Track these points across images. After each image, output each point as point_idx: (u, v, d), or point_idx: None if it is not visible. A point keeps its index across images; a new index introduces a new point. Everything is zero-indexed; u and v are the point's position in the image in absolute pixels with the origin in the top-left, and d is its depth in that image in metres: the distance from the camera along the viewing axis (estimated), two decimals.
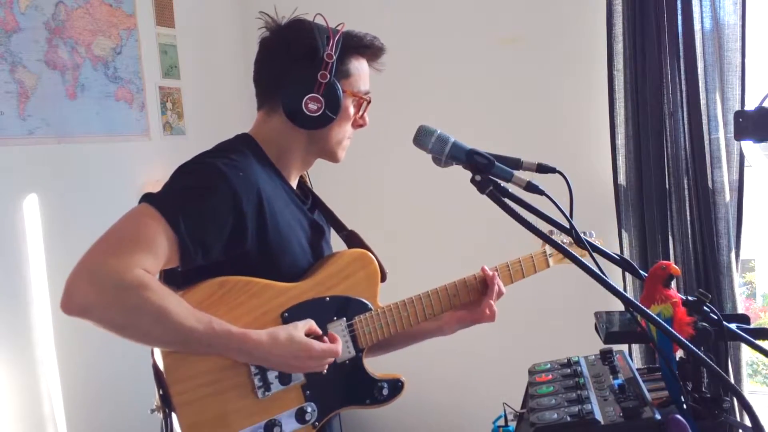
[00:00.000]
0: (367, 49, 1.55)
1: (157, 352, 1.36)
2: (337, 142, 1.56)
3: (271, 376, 1.40)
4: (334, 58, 1.46)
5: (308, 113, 1.47)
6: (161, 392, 1.35)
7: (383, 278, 1.59)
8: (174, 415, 1.34)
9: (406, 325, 1.59)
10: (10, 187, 2.48)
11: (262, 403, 1.40)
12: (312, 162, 1.60)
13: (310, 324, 1.43)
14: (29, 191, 2.54)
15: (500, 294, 1.71)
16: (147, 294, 1.23)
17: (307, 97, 1.46)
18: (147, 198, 1.33)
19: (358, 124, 1.58)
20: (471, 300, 1.69)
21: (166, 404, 1.35)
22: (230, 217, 1.34)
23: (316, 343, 1.40)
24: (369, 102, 1.58)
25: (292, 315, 1.44)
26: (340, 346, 1.45)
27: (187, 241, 1.29)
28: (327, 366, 1.44)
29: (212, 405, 1.36)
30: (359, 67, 1.54)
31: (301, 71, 1.48)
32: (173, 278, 1.40)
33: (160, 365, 1.35)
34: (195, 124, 3.25)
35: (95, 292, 1.22)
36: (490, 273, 1.70)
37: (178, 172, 1.40)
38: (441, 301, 1.65)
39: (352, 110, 1.54)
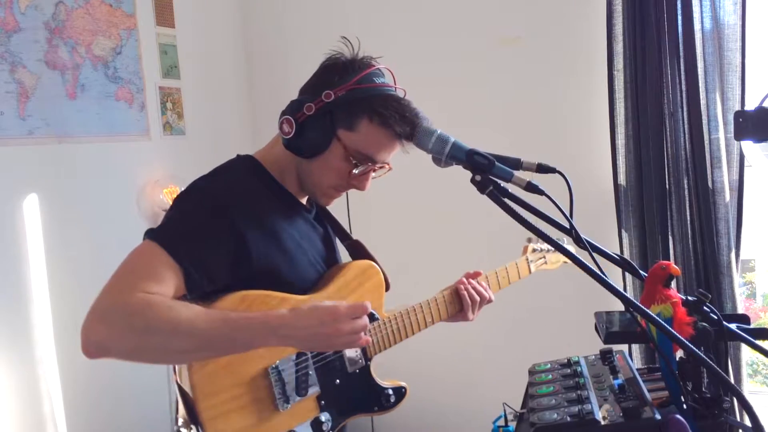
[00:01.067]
0: (385, 123, 1.44)
1: (183, 370, 1.36)
2: (317, 184, 1.51)
3: (289, 388, 1.42)
4: (332, 98, 1.42)
5: (281, 132, 1.47)
6: (187, 409, 1.37)
7: (387, 288, 1.63)
8: (201, 431, 1.36)
9: (410, 333, 1.65)
10: (10, 187, 2.48)
11: (282, 415, 1.42)
12: (306, 195, 1.57)
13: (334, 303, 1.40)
14: (29, 191, 2.54)
15: (489, 300, 1.77)
16: (152, 311, 1.24)
17: (285, 116, 1.46)
18: (149, 234, 1.35)
19: (352, 184, 1.51)
20: (464, 307, 1.75)
21: (194, 420, 1.36)
22: (230, 241, 1.36)
23: (340, 304, 1.31)
24: (372, 169, 1.50)
25: None
26: (368, 304, 1.35)
27: (191, 269, 1.31)
28: (363, 336, 1.31)
29: (237, 419, 1.38)
30: (371, 130, 1.45)
31: (302, 96, 1.48)
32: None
33: (186, 383, 1.36)
34: (195, 124, 3.24)
35: (106, 327, 1.24)
36: (461, 287, 1.74)
37: (176, 201, 1.43)
38: (439, 309, 1.71)
39: (341, 162, 1.46)
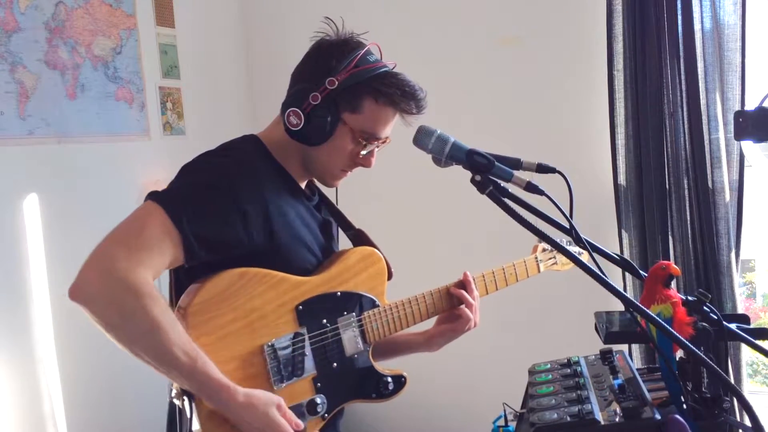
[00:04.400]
0: (390, 101, 1.49)
1: None
2: (325, 169, 1.55)
3: (284, 367, 1.43)
4: (336, 85, 1.45)
5: (289, 125, 1.47)
6: None
7: (389, 276, 1.64)
8: (193, 403, 1.36)
9: (411, 321, 1.64)
10: (10, 187, 2.48)
11: (277, 394, 1.42)
12: (309, 177, 1.60)
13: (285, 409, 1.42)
14: (29, 191, 2.54)
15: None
16: (148, 303, 1.26)
17: (291, 109, 1.47)
18: (152, 196, 1.36)
19: (359, 163, 1.55)
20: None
21: (187, 392, 1.36)
22: (233, 215, 1.37)
23: (286, 426, 1.38)
24: (377, 146, 1.54)
25: (306, 308, 1.47)
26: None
27: (191, 238, 1.32)
28: None
29: None
30: (375, 110, 1.49)
31: (304, 84, 1.49)
32: (194, 273, 1.40)
33: None
34: (195, 124, 3.24)
35: (102, 285, 1.26)
36: (467, 292, 1.70)
37: (183, 170, 1.45)
38: (442, 299, 1.70)
39: (349, 145, 1.51)
